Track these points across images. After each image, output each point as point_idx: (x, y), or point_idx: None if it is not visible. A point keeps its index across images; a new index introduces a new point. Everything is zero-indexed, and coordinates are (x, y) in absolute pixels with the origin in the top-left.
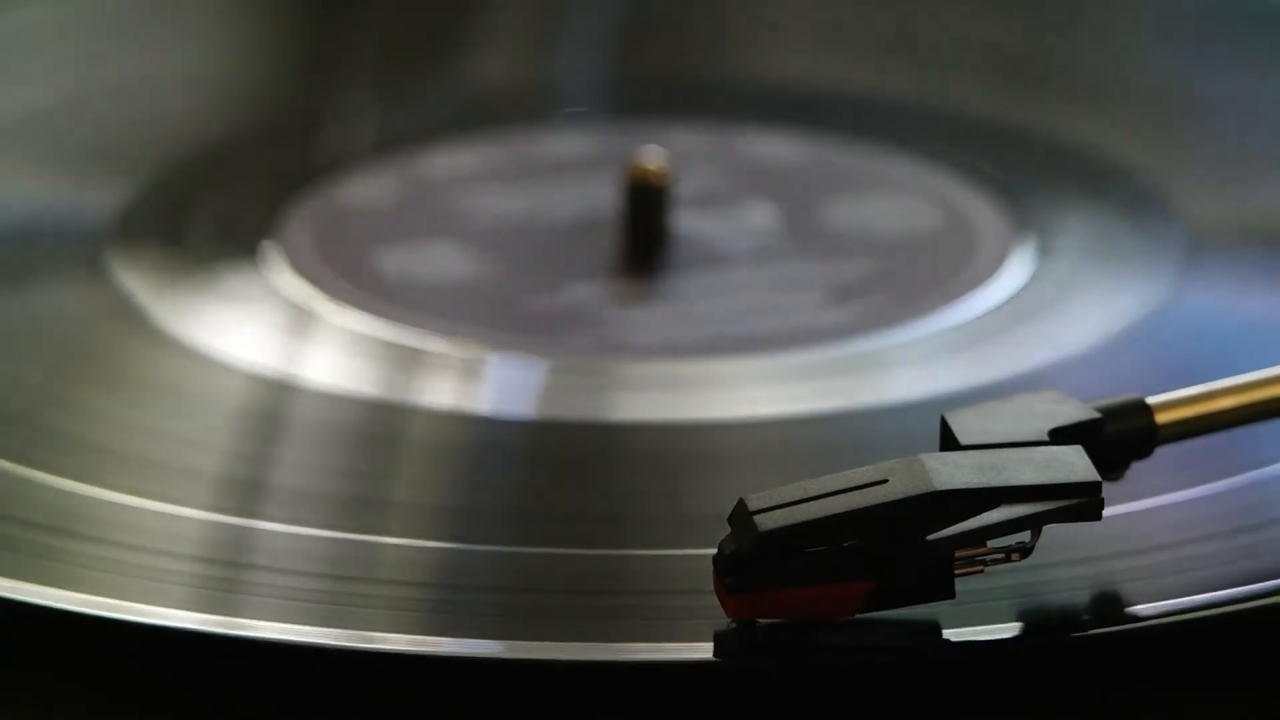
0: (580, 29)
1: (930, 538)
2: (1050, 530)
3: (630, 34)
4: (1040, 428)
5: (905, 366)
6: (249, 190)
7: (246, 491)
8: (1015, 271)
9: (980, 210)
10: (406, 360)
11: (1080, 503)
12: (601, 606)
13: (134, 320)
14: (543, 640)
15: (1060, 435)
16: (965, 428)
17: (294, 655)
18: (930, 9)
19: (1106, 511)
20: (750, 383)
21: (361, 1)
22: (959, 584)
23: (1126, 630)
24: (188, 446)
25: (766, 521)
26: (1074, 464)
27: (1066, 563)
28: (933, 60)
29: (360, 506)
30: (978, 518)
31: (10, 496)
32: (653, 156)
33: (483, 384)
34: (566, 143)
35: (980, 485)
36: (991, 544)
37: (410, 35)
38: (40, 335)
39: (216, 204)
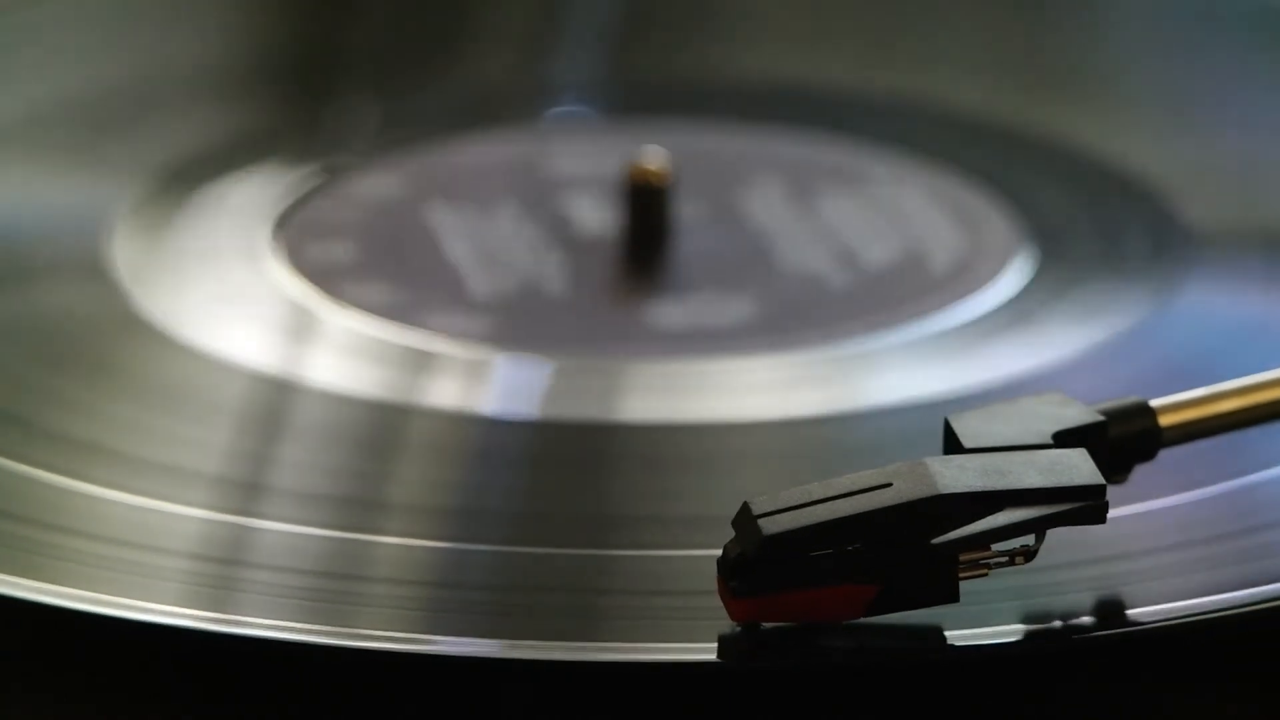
0: (580, 28)
1: (934, 541)
2: (1053, 532)
3: (630, 34)
4: (1044, 430)
5: (906, 368)
6: (249, 189)
7: (247, 490)
8: (1016, 273)
9: (981, 211)
10: (407, 360)
11: (1085, 506)
12: (603, 607)
13: (134, 319)
14: (543, 640)
15: (1064, 438)
16: (969, 430)
17: (292, 653)
18: (931, 8)
19: (1109, 513)
20: (750, 383)
21: (362, 1)
22: (962, 586)
23: (1129, 632)
24: (187, 446)
25: (771, 525)
26: (1078, 467)
27: (1069, 564)
28: (933, 60)
29: (361, 506)
30: (982, 521)
31: (9, 494)
32: (653, 156)
33: (484, 384)
34: (566, 142)
35: (984, 489)
36: (995, 547)
37: (411, 35)
38: (40, 335)
39: (217, 203)
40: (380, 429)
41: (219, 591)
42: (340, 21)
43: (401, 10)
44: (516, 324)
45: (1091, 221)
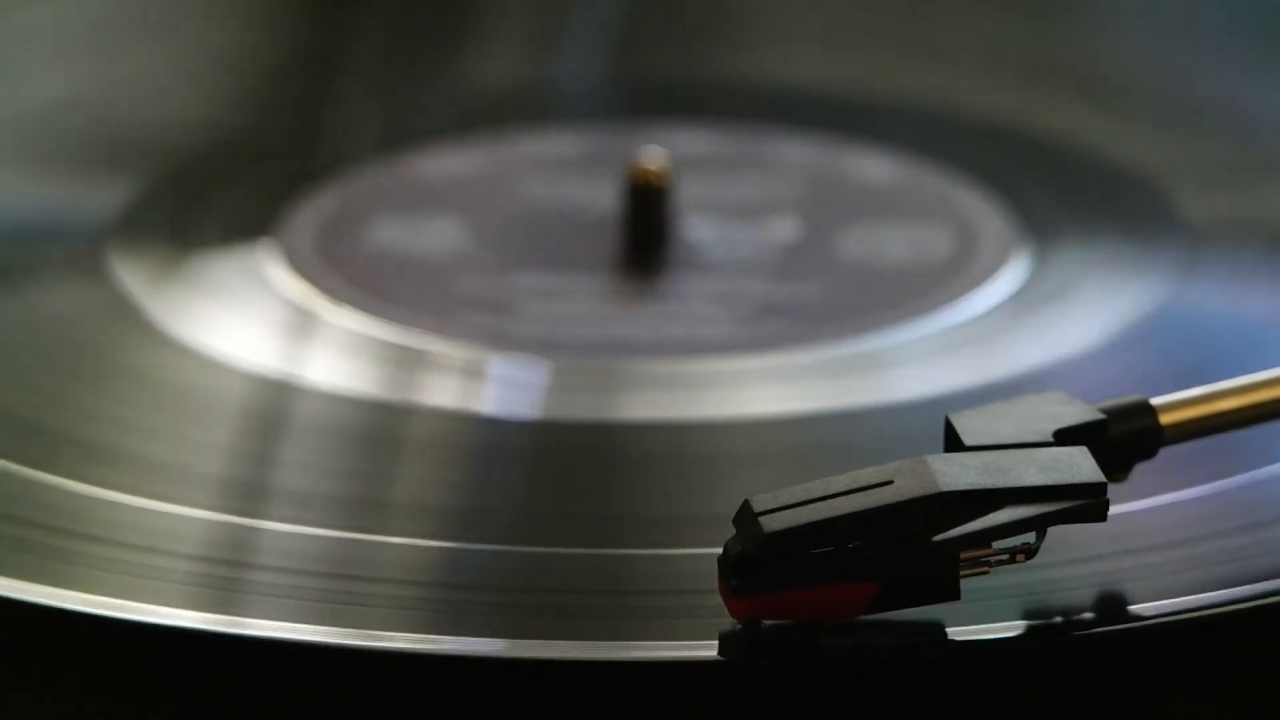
0: (580, 30)
1: (935, 539)
2: (1053, 530)
3: (630, 34)
4: (1045, 429)
5: (906, 366)
6: (249, 190)
7: (248, 491)
8: (1016, 271)
9: (980, 210)
10: (408, 360)
11: (1085, 504)
12: (604, 606)
13: (134, 320)
14: (545, 639)
15: (1065, 436)
16: (970, 429)
17: (296, 654)
18: (931, 9)
19: (1110, 511)
20: (750, 383)
21: (361, 2)
22: (963, 584)
23: (1129, 629)
24: (188, 446)
25: (772, 523)
26: (1079, 465)
27: (1069, 562)
28: (933, 61)
29: (362, 506)
30: (983, 519)
31: (10, 496)
32: (653, 156)
33: (484, 384)
34: (566, 143)
35: (985, 486)
36: (996, 545)
37: (410, 35)
38: (40, 335)
39: (216, 203)
40: (380, 429)
41: (218, 592)
42: (340, 21)
43: (401, 10)
44: (516, 323)
45: (1091, 220)
